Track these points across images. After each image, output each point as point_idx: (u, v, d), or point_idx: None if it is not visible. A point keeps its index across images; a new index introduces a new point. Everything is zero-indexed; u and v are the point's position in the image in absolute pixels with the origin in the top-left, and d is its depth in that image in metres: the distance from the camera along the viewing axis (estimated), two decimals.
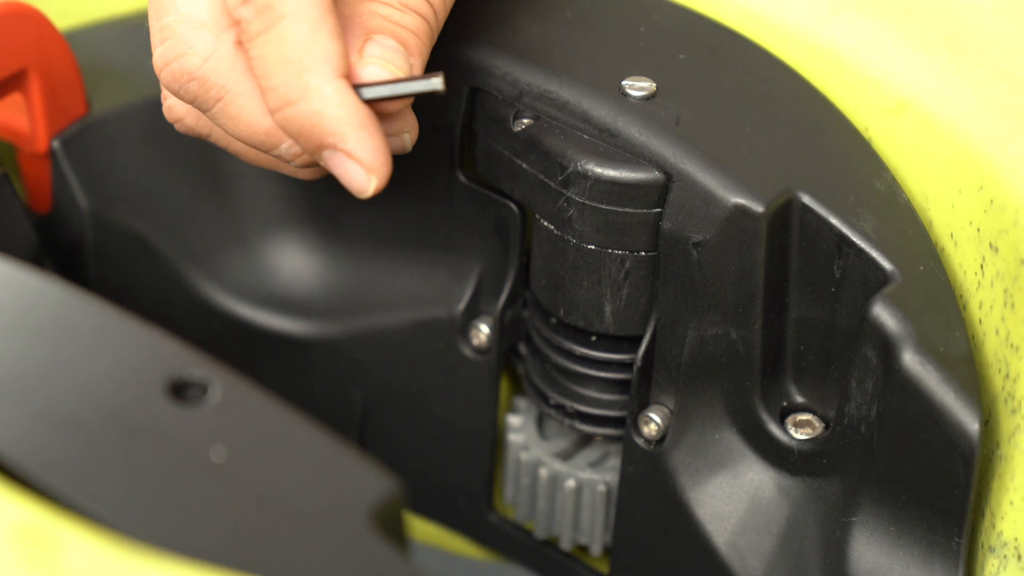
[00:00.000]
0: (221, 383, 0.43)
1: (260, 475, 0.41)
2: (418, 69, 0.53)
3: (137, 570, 0.36)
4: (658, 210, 0.54)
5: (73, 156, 0.61)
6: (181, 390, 0.42)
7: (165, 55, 0.53)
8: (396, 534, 0.41)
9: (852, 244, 0.52)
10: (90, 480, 0.40)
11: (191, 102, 0.54)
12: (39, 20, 0.59)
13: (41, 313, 0.45)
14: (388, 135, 0.54)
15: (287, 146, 0.53)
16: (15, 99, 0.61)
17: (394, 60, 0.52)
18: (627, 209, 0.54)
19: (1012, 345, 0.51)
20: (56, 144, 0.61)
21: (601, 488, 0.62)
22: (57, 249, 0.62)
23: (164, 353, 0.44)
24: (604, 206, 0.54)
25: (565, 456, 0.63)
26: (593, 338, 0.58)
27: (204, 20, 0.53)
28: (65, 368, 0.43)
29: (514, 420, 0.65)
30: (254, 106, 0.53)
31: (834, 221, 0.52)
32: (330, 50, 0.51)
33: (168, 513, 0.39)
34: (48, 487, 0.39)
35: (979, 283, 0.53)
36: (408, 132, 0.54)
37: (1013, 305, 0.51)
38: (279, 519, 0.40)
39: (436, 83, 0.52)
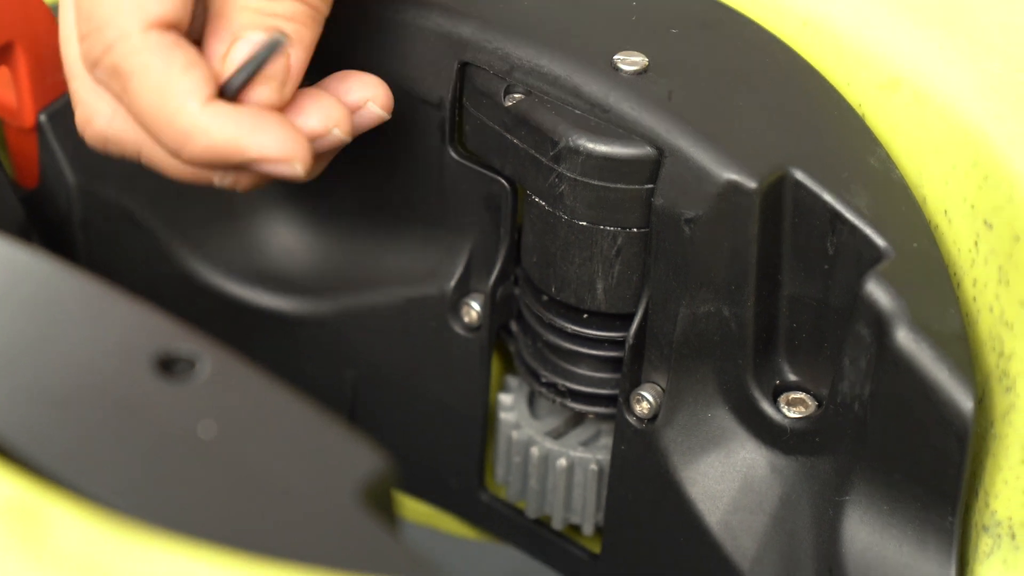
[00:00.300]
0: (210, 358, 0.42)
1: (249, 451, 0.40)
2: (301, 56, 0.52)
3: (126, 546, 0.36)
4: (650, 186, 0.54)
5: (60, 130, 0.60)
6: (169, 365, 0.42)
7: (79, 122, 0.55)
8: (386, 511, 0.41)
9: (845, 221, 0.52)
10: (78, 456, 0.39)
11: (122, 156, 0.55)
12: None
13: (27, 287, 0.44)
14: (311, 128, 0.53)
15: (219, 177, 0.54)
16: (1, 73, 0.60)
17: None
18: (619, 185, 0.54)
19: (1006, 323, 0.51)
20: (43, 118, 0.60)
21: (593, 467, 0.62)
22: (44, 224, 0.62)
23: (152, 328, 0.43)
24: (596, 182, 0.54)
25: (557, 435, 0.63)
26: (585, 315, 0.58)
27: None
28: (52, 342, 0.42)
29: (505, 398, 0.64)
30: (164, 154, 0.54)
31: (827, 197, 0.52)
32: (188, 84, 0.51)
33: (157, 489, 0.39)
34: (36, 463, 0.39)
35: (973, 260, 0.52)
36: (337, 127, 0.54)
37: (1007, 282, 0.51)
38: (268, 495, 0.39)
39: (278, 39, 0.51)
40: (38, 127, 0.61)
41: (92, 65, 0.53)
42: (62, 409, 0.41)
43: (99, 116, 0.54)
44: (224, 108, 0.52)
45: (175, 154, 0.53)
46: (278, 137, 0.52)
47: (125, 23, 0.51)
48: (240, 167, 0.53)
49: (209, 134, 0.52)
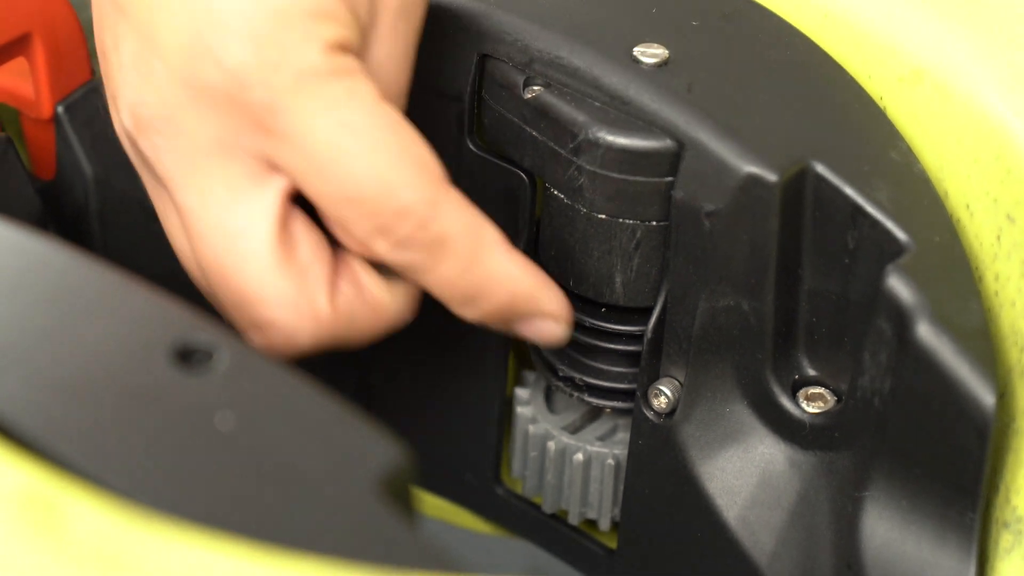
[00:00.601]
0: (227, 349, 0.42)
1: (267, 442, 0.40)
2: None
3: (142, 536, 0.36)
4: (670, 179, 0.53)
5: (77, 122, 0.60)
6: (187, 356, 0.42)
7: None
8: (404, 502, 0.41)
9: (867, 214, 0.51)
10: (95, 446, 0.39)
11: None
12: None
13: (45, 277, 0.44)
14: None
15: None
16: (19, 64, 0.60)
17: None
18: (638, 178, 0.54)
19: None
20: (60, 110, 0.60)
21: (610, 462, 0.62)
22: (61, 216, 0.62)
23: (169, 318, 0.43)
24: (615, 174, 0.54)
25: (573, 429, 0.63)
26: (603, 309, 0.58)
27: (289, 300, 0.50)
28: (69, 333, 0.42)
29: (522, 393, 0.64)
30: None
31: (848, 191, 0.52)
32: (494, 232, 0.51)
33: (174, 479, 0.39)
34: (53, 453, 0.39)
35: (995, 254, 0.52)
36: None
37: None
38: (286, 486, 0.39)
39: None
40: (55, 118, 0.61)
41: (385, 249, 0.50)
42: (79, 399, 0.40)
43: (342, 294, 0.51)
44: (523, 257, 0.52)
45: (468, 303, 0.52)
46: (560, 295, 0.54)
47: (422, 188, 0.49)
48: (509, 322, 0.53)
49: (515, 282, 0.52)
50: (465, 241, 0.50)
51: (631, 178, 0.54)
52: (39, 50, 0.59)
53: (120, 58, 0.49)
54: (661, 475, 0.57)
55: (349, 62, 0.49)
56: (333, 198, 0.49)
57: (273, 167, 0.49)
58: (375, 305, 0.52)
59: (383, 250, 0.50)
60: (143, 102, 0.49)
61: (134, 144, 0.50)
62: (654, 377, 0.57)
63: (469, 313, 0.53)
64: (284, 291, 0.50)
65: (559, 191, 0.56)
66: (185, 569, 0.36)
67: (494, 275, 0.52)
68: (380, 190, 0.49)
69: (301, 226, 0.50)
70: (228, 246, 0.50)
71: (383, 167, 0.48)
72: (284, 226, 0.50)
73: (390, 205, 0.49)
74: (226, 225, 0.49)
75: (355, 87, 0.49)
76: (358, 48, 0.50)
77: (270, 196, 0.49)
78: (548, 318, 0.54)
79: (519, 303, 0.52)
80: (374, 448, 0.41)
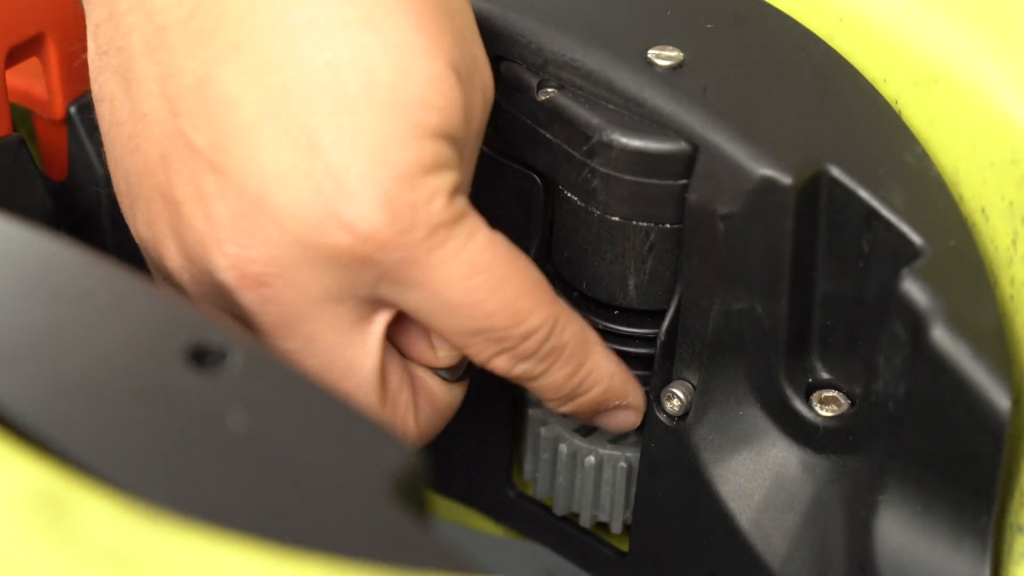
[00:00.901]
0: (241, 350, 0.42)
1: (280, 443, 0.40)
2: None
3: (154, 535, 0.36)
4: (684, 181, 0.53)
5: (90, 122, 0.60)
6: (200, 357, 0.42)
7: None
8: (417, 504, 0.40)
9: (881, 218, 0.51)
10: (108, 445, 0.39)
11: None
12: None
13: (58, 277, 0.44)
14: None
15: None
16: (32, 64, 0.60)
17: None
18: (652, 180, 0.54)
19: None
20: (73, 110, 0.60)
21: (622, 464, 0.61)
22: (73, 216, 0.61)
23: (182, 319, 0.43)
24: (629, 177, 0.54)
25: (585, 432, 0.63)
26: (616, 312, 0.58)
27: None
28: (81, 333, 0.42)
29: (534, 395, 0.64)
30: None
31: (863, 194, 0.51)
32: (592, 333, 0.54)
33: (186, 480, 0.39)
34: (65, 452, 0.39)
35: (1011, 259, 0.52)
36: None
37: None
38: (299, 488, 0.39)
39: None
40: (68, 119, 0.61)
41: (505, 365, 0.52)
42: (91, 399, 0.40)
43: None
44: (614, 354, 0.56)
45: (568, 400, 0.55)
46: (639, 387, 0.57)
47: (545, 310, 0.52)
48: (596, 413, 0.56)
49: (612, 378, 0.55)
50: (576, 348, 0.54)
51: (645, 180, 0.54)
52: (52, 50, 0.59)
53: (211, 212, 0.49)
54: (673, 478, 0.57)
55: (463, 203, 0.50)
56: (463, 332, 0.51)
57: (381, 303, 0.50)
58: (444, 410, 0.55)
59: (502, 366, 0.53)
60: (249, 259, 0.48)
61: (226, 296, 0.50)
62: (667, 380, 0.57)
63: (566, 408, 0.55)
64: (383, 422, 0.52)
65: (572, 193, 0.56)
66: (196, 569, 0.35)
67: (595, 374, 0.55)
68: (508, 322, 0.51)
69: (389, 353, 0.53)
70: (333, 385, 0.51)
71: (509, 301, 0.51)
72: (383, 359, 0.52)
73: (516, 332, 0.51)
74: (333, 367, 0.51)
75: (472, 227, 0.50)
76: (465, 181, 0.51)
77: (376, 334, 0.51)
78: (631, 409, 0.57)
79: (611, 397, 0.56)
80: (387, 450, 0.41)
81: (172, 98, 0.49)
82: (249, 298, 0.49)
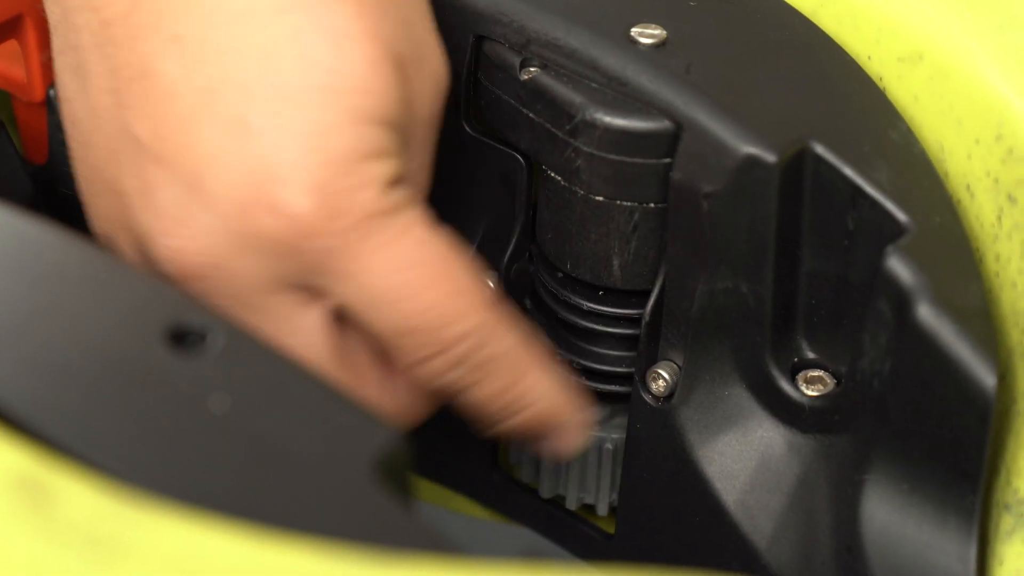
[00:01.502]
0: (221, 331, 0.42)
1: (262, 424, 0.40)
2: None
3: (135, 518, 0.35)
4: (668, 160, 0.53)
5: None
6: (180, 338, 0.41)
7: None
8: (400, 485, 0.40)
9: (866, 195, 0.51)
10: (86, 427, 0.39)
11: None
12: None
13: (37, 258, 0.44)
14: None
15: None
16: (10, 47, 0.60)
17: None
18: (636, 159, 0.53)
19: None
20: (52, 93, 0.60)
21: (608, 446, 0.61)
22: (54, 200, 0.61)
23: (162, 300, 0.43)
24: (612, 156, 0.53)
25: None
26: (600, 292, 0.57)
27: None
28: (60, 314, 0.42)
29: None
30: None
31: (848, 172, 0.51)
32: (534, 347, 0.52)
33: (167, 461, 0.38)
34: (44, 434, 0.38)
35: (996, 235, 0.52)
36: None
37: None
38: (281, 468, 0.39)
39: None
40: (47, 102, 0.60)
41: (436, 371, 0.51)
42: (71, 381, 0.40)
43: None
44: (559, 370, 0.54)
45: (505, 418, 0.53)
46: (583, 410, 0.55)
47: (477, 315, 0.50)
48: (537, 435, 0.54)
49: (553, 396, 0.53)
50: (514, 361, 0.52)
51: (629, 160, 0.53)
52: (31, 32, 0.59)
53: (153, 203, 0.48)
54: (659, 459, 0.57)
55: (401, 194, 0.49)
56: (389, 330, 0.50)
57: (318, 293, 0.50)
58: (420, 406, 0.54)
59: (433, 371, 0.51)
60: (186, 250, 0.48)
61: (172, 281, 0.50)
62: (652, 360, 0.56)
63: (502, 427, 0.54)
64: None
65: (556, 173, 0.55)
66: (177, 551, 0.35)
67: (533, 392, 0.53)
68: (437, 323, 0.50)
69: (354, 336, 0.51)
70: None
71: (439, 300, 0.49)
72: (339, 339, 0.51)
73: (446, 335, 0.50)
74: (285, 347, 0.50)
75: (409, 221, 0.49)
76: (405, 172, 0.50)
77: (318, 321, 0.50)
78: (573, 429, 0.55)
79: (549, 420, 0.54)
80: (370, 431, 0.40)
81: (118, 92, 0.49)
82: (194, 290, 0.49)
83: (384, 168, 0.48)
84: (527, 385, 0.53)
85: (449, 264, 0.50)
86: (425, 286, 0.49)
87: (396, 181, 0.49)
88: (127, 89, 0.48)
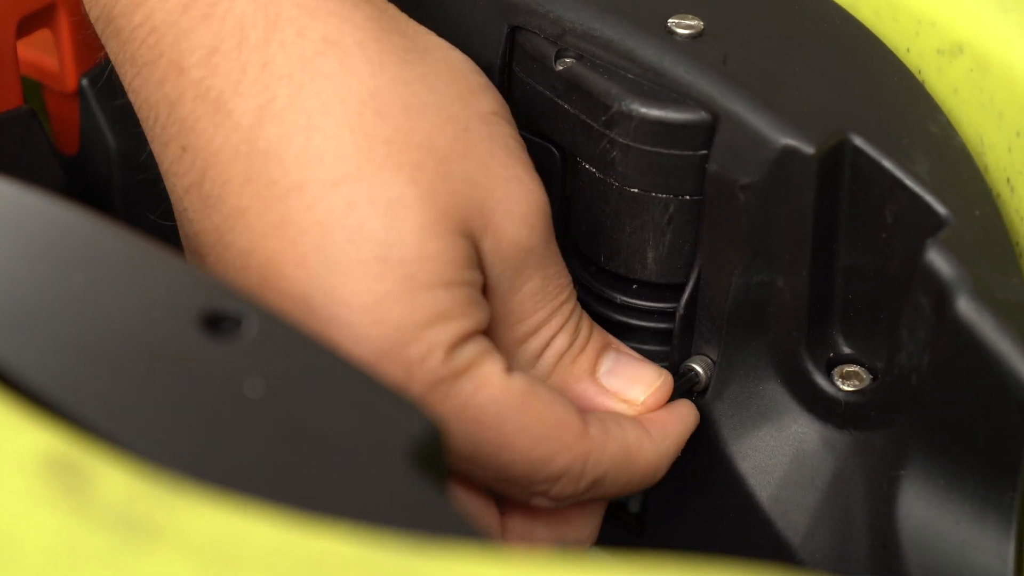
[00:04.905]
0: (256, 316, 0.41)
1: (297, 409, 0.39)
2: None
3: (168, 500, 0.35)
4: (704, 152, 0.52)
5: (102, 95, 0.59)
6: (215, 323, 0.41)
7: None
8: (435, 472, 0.40)
9: (905, 188, 0.50)
10: (124, 411, 0.39)
11: None
12: None
13: (73, 244, 0.43)
14: None
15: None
16: (43, 36, 0.60)
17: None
18: (672, 151, 0.53)
19: None
20: (85, 82, 0.60)
21: None
22: (85, 190, 0.61)
23: (197, 285, 0.42)
24: (648, 148, 0.53)
25: None
26: (634, 286, 0.57)
27: None
28: (96, 299, 0.42)
29: None
30: None
31: (887, 164, 0.51)
32: (638, 444, 0.53)
33: (202, 445, 0.38)
34: (80, 417, 0.38)
35: None
36: None
37: None
38: (316, 454, 0.38)
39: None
40: (80, 92, 0.60)
41: (546, 503, 0.52)
42: (106, 365, 0.40)
43: None
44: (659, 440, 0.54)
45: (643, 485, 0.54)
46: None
47: (569, 451, 0.50)
48: None
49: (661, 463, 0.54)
50: (621, 466, 0.52)
51: (664, 151, 0.53)
52: (64, 21, 0.59)
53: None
54: (692, 454, 0.56)
55: (472, 350, 0.49)
56: (488, 480, 0.51)
57: None
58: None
59: (543, 503, 0.52)
60: None
61: None
62: (686, 355, 0.56)
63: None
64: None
65: (591, 165, 0.55)
66: (211, 534, 0.35)
67: (645, 474, 0.53)
68: (530, 469, 0.50)
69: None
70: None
71: (527, 448, 0.50)
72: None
73: (543, 475, 0.50)
74: None
75: (482, 379, 0.49)
76: (483, 321, 0.50)
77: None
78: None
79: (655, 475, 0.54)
80: (405, 417, 0.40)
81: (199, 253, 0.50)
82: None
83: (448, 331, 0.48)
84: (642, 475, 0.53)
85: (529, 413, 0.50)
86: (508, 442, 0.49)
87: (463, 339, 0.49)
88: (206, 252, 0.49)
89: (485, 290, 0.50)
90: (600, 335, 0.54)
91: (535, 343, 0.52)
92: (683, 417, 0.54)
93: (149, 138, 0.50)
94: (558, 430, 0.50)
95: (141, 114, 0.50)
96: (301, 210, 0.47)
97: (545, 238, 0.51)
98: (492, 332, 0.51)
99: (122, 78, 0.51)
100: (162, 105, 0.49)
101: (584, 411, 0.52)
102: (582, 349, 0.53)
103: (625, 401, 0.53)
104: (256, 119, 0.47)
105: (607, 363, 0.54)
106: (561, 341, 0.53)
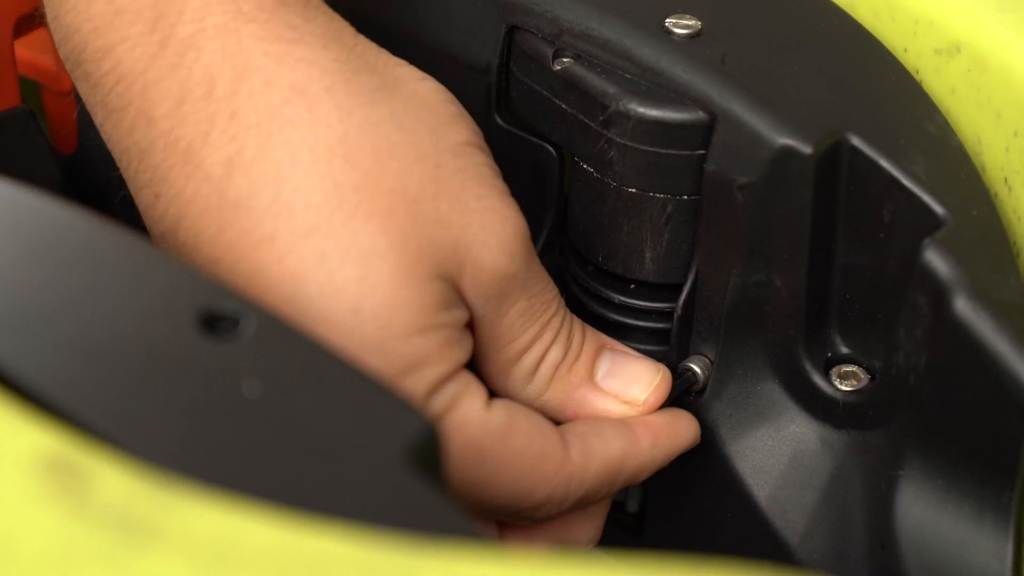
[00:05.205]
0: (254, 317, 0.41)
1: (294, 409, 0.39)
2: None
3: (166, 501, 0.35)
4: (702, 152, 0.52)
5: None
6: (213, 323, 0.41)
7: None
8: (433, 472, 0.40)
9: (903, 188, 0.50)
10: (121, 411, 0.39)
11: None
12: None
13: (71, 244, 0.43)
14: None
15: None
16: (40, 36, 0.60)
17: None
18: (670, 151, 0.53)
19: None
20: None
21: None
22: (82, 190, 0.61)
23: (195, 286, 0.42)
24: (646, 147, 0.53)
25: None
26: (632, 286, 0.57)
27: None
28: (94, 299, 0.42)
29: None
30: None
31: (884, 164, 0.51)
32: (623, 461, 0.53)
33: (200, 445, 0.38)
34: (77, 418, 0.38)
35: None
36: None
37: None
38: (314, 454, 0.38)
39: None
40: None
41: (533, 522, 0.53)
42: (104, 365, 0.40)
43: None
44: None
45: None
46: None
47: (552, 479, 0.51)
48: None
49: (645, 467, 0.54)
50: (607, 479, 0.52)
51: (662, 151, 0.53)
52: None
53: None
54: (690, 454, 0.56)
55: (449, 392, 0.49)
56: (481, 510, 0.51)
57: None
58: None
59: (531, 523, 0.53)
60: None
61: None
62: (684, 355, 0.56)
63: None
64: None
65: (588, 165, 0.55)
66: (209, 534, 0.35)
67: (630, 476, 0.54)
68: (514, 501, 0.50)
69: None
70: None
71: (509, 483, 0.50)
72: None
73: (527, 505, 0.51)
74: None
75: (461, 419, 0.49)
76: (462, 359, 0.50)
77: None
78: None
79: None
80: (403, 417, 0.40)
81: None
82: None
83: (424, 379, 0.48)
84: (627, 478, 0.53)
85: (508, 449, 0.50)
86: (489, 479, 0.50)
87: (441, 383, 0.49)
88: None
89: (472, 321, 0.50)
90: (594, 337, 0.54)
91: (528, 360, 0.52)
92: (680, 431, 0.54)
93: (124, 178, 0.50)
94: (539, 462, 0.51)
95: (114, 155, 0.50)
96: (272, 262, 0.47)
97: (526, 261, 0.51)
98: (484, 356, 0.51)
99: (94, 119, 0.50)
100: (133, 151, 0.48)
101: (582, 418, 0.53)
102: (577, 356, 0.53)
103: (626, 402, 0.53)
104: (225, 170, 0.47)
105: (604, 365, 0.54)
106: (555, 353, 0.53)
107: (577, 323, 0.54)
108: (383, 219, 0.47)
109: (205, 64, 0.47)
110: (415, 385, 0.48)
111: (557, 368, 0.53)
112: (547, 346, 0.52)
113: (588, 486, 0.52)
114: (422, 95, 0.50)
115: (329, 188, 0.47)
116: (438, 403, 0.49)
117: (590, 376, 0.53)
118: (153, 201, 0.49)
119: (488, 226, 0.50)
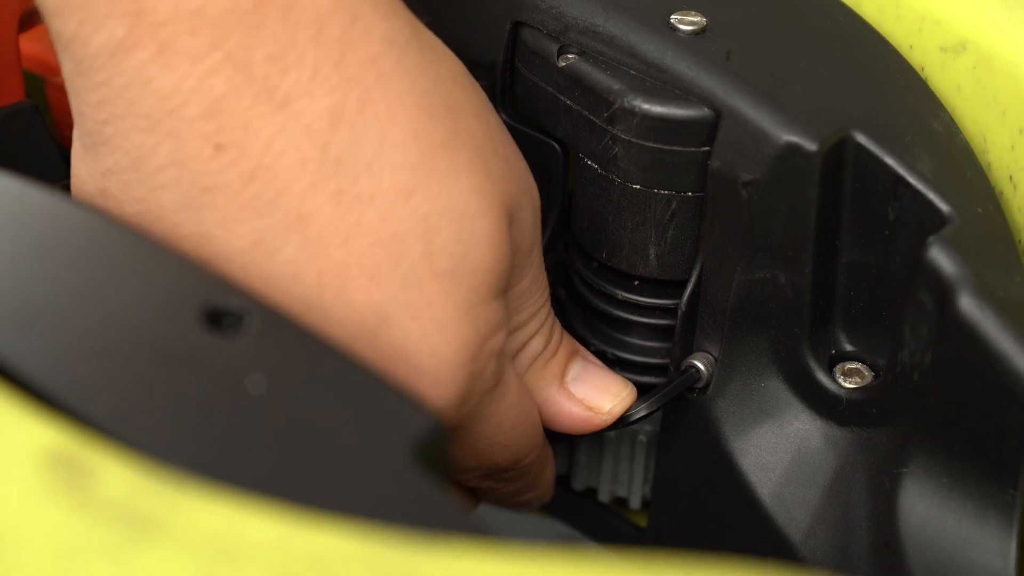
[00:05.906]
0: (258, 313, 0.41)
1: (299, 406, 0.39)
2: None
3: (170, 496, 0.35)
4: (706, 148, 0.52)
5: None
6: (217, 319, 0.41)
7: None
8: (437, 469, 0.40)
9: (908, 185, 0.50)
10: (126, 407, 0.39)
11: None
12: None
13: (76, 240, 0.43)
14: None
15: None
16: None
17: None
18: (674, 147, 0.53)
19: None
20: None
21: (641, 438, 0.61)
22: None
23: (199, 282, 0.42)
24: (651, 144, 0.53)
25: None
26: (636, 282, 0.57)
27: None
28: (98, 295, 0.42)
29: None
30: None
31: (889, 161, 0.51)
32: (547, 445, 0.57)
33: (204, 441, 0.38)
34: (82, 413, 0.38)
35: None
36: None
37: None
38: (318, 450, 0.38)
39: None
40: None
41: (488, 486, 0.55)
42: (109, 361, 0.40)
43: None
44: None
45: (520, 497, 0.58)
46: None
47: (537, 449, 0.54)
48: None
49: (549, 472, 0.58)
50: (546, 467, 0.57)
51: (667, 147, 0.53)
52: None
53: None
54: (694, 451, 0.57)
55: (504, 360, 0.51)
56: (469, 469, 0.53)
57: None
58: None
59: (485, 486, 0.55)
60: None
61: None
62: (688, 351, 0.56)
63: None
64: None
65: (593, 161, 0.55)
66: (213, 530, 0.35)
67: (543, 479, 0.57)
68: (511, 462, 0.53)
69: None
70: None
71: (520, 446, 0.53)
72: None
73: (513, 467, 0.54)
74: None
75: (507, 385, 0.51)
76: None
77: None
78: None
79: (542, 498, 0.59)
80: (407, 414, 0.40)
81: (213, 263, 0.46)
82: None
83: (497, 343, 0.49)
84: (544, 477, 0.57)
85: (527, 414, 0.53)
86: (509, 443, 0.52)
87: (503, 347, 0.50)
88: (232, 260, 0.46)
89: None
90: (569, 342, 0.55)
91: (513, 343, 0.53)
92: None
93: (126, 128, 0.45)
94: (536, 428, 0.54)
95: (129, 103, 0.45)
96: (375, 222, 0.46)
97: (539, 236, 0.52)
98: None
99: (111, 66, 0.46)
100: (193, 98, 0.44)
101: (544, 415, 0.55)
102: (554, 353, 0.54)
103: (591, 409, 0.55)
104: (329, 123, 0.45)
105: (575, 370, 0.55)
106: (536, 344, 0.53)
107: (557, 323, 0.55)
108: (469, 177, 0.47)
109: (315, 7, 0.45)
110: (493, 348, 0.49)
111: (535, 359, 0.54)
112: (532, 334, 0.53)
113: (541, 463, 0.56)
114: (452, 56, 0.50)
115: (424, 147, 0.46)
116: (500, 366, 0.50)
117: (561, 376, 0.54)
118: (213, 153, 0.45)
119: (529, 188, 0.50)
